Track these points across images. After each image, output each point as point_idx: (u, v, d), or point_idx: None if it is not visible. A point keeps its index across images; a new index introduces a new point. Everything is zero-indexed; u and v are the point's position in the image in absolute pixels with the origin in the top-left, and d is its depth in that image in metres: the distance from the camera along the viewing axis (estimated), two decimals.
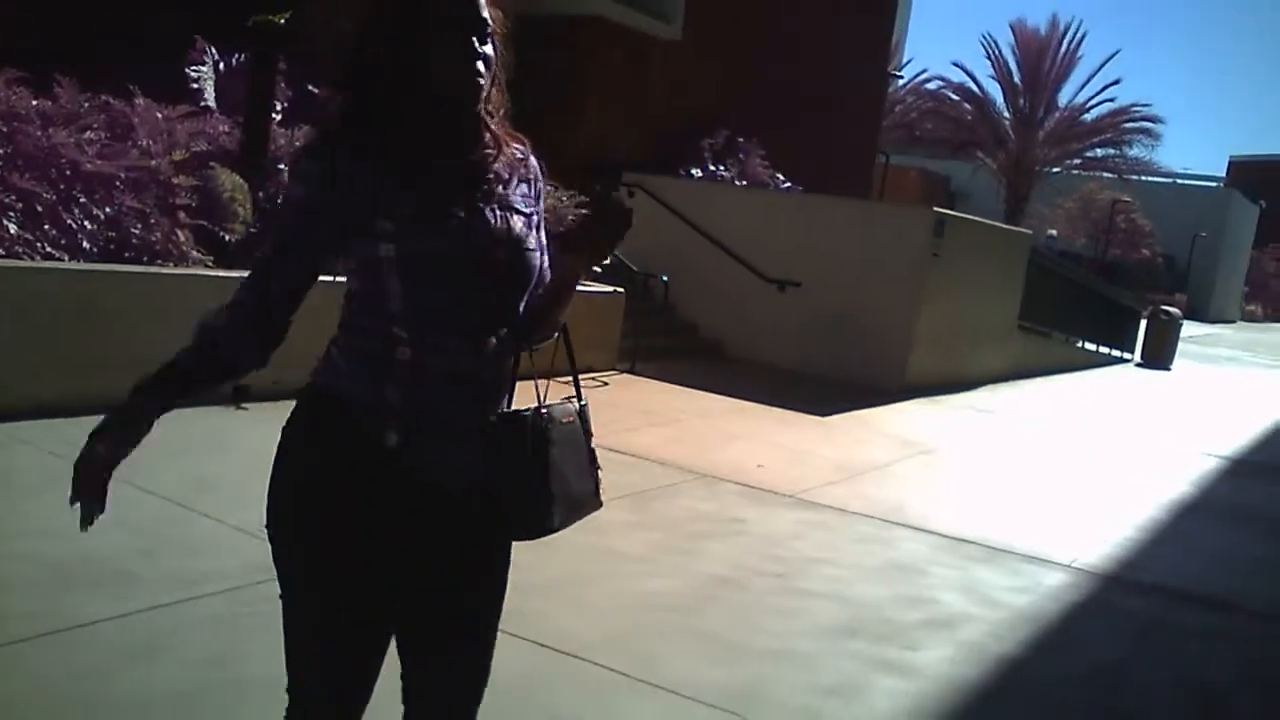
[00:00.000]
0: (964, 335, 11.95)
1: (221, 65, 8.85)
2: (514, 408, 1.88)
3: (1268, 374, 22.40)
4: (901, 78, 37.29)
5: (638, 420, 7.38)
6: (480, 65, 1.75)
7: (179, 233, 6.42)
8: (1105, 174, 45.37)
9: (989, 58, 41.72)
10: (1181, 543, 6.36)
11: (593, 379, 8.44)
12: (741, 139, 15.95)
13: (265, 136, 7.44)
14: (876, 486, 6.65)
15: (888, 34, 22.79)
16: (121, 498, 4.57)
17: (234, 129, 7.61)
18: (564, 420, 1.88)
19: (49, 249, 5.77)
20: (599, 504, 1.95)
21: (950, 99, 42.11)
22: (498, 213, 1.81)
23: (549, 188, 2.09)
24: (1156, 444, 9.82)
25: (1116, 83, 43.58)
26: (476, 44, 1.75)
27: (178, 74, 8.36)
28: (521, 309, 1.87)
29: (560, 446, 1.86)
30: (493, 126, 1.85)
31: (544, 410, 1.86)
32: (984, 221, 13.58)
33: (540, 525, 1.85)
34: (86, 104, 6.84)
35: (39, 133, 6.11)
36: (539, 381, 1.94)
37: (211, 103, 8.47)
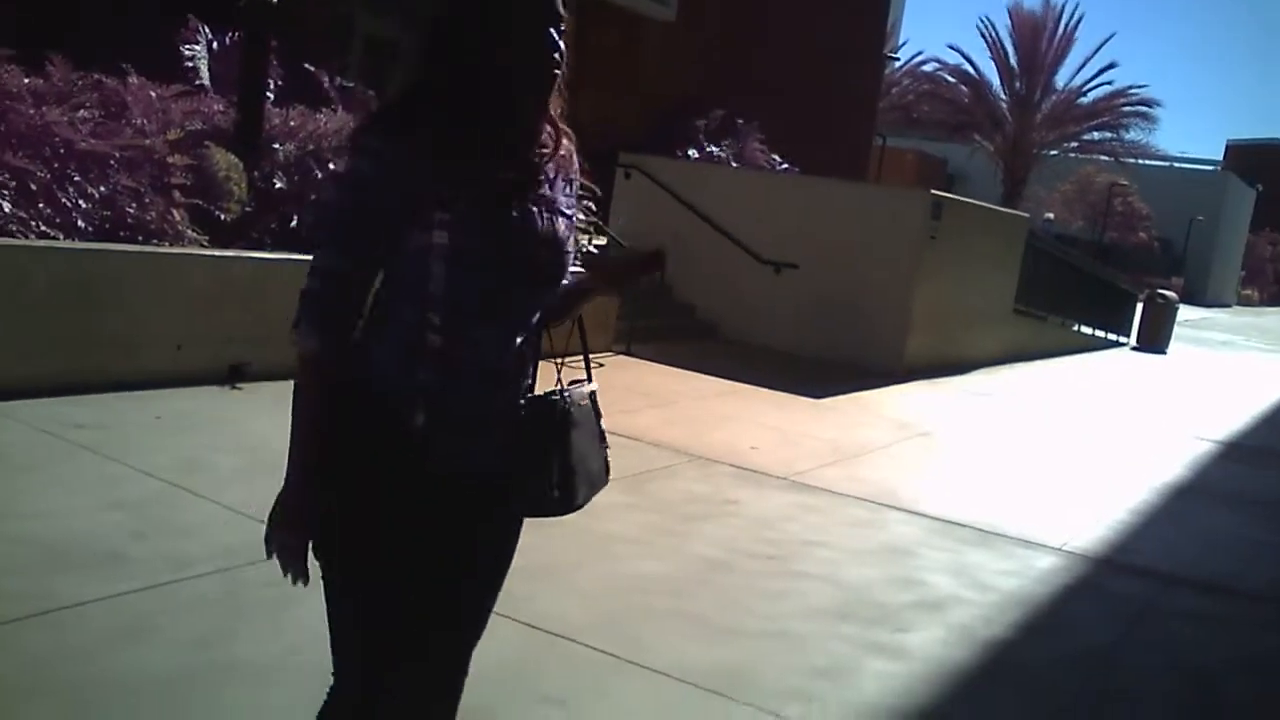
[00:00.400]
0: (960, 318, 11.96)
1: (215, 44, 8.80)
2: (536, 392, 1.95)
3: (1263, 358, 22.45)
4: (898, 60, 37.15)
5: (633, 402, 7.38)
6: (544, 71, 1.79)
7: (174, 212, 6.40)
8: (1102, 157, 45.31)
9: (985, 40, 41.68)
10: (1174, 526, 6.39)
11: (577, 363, 8.39)
12: (738, 120, 15.91)
13: (260, 116, 7.41)
14: (870, 469, 6.67)
15: (884, 15, 22.72)
16: (113, 478, 4.63)
17: (229, 108, 7.58)
18: (580, 403, 1.98)
19: (44, 228, 5.75)
20: (607, 479, 2.07)
21: (947, 81, 42.01)
22: (544, 214, 1.85)
23: None
24: (1151, 427, 9.84)
25: (1113, 65, 43.73)
26: (556, 42, 1.78)
27: (171, 53, 8.32)
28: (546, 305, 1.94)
29: (579, 428, 1.95)
30: (562, 127, 1.90)
31: (565, 394, 1.94)
32: (981, 204, 13.56)
33: (569, 503, 1.95)
34: (79, 82, 6.80)
35: (32, 111, 6.08)
36: (555, 363, 2.02)
37: (206, 82, 8.43)
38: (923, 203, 11.18)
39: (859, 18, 20.39)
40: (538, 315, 1.92)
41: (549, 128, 1.88)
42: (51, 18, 7.55)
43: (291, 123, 7.79)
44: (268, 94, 7.82)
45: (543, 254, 1.85)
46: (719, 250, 11.20)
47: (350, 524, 1.84)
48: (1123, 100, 41.94)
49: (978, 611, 4.41)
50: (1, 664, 2.94)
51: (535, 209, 1.83)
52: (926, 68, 42.22)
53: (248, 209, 6.89)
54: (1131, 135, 42.88)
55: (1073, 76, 41.99)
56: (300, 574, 1.86)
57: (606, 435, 2.08)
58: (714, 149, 15.41)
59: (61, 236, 5.79)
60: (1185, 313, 24.47)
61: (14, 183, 5.73)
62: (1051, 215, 47.23)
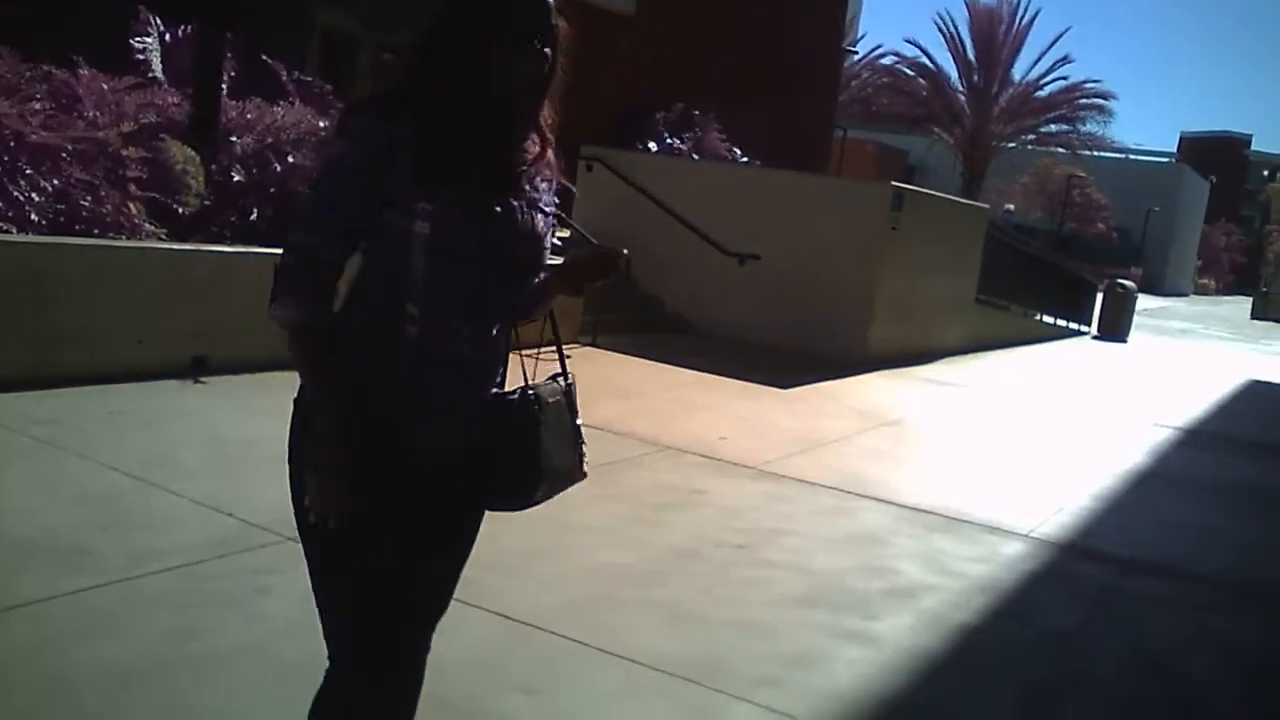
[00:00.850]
0: (923, 308, 12.02)
1: (167, 36, 8.67)
2: (505, 388, 1.97)
3: (1220, 346, 22.80)
4: (857, 53, 37.29)
5: (600, 393, 7.36)
6: (540, 78, 1.84)
7: (130, 205, 6.30)
8: (1059, 149, 45.76)
9: (943, 34, 41.92)
10: (1135, 512, 6.46)
11: (550, 354, 8.38)
12: (696, 112, 15.91)
13: (216, 108, 7.32)
14: (838, 458, 6.69)
15: (843, 9, 22.81)
16: (80, 473, 4.56)
17: (183, 101, 7.47)
18: (551, 399, 1.99)
19: None
20: (583, 475, 2.08)
21: (906, 74, 42.25)
22: (525, 210, 1.89)
23: None
24: (1113, 415, 9.95)
25: (1068, 60, 44.01)
26: (541, 57, 1.83)
27: (122, 45, 8.19)
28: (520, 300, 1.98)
29: (548, 426, 1.96)
30: (546, 134, 1.94)
31: (532, 391, 1.96)
32: (941, 195, 13.67)
33: (524, 499, 1.97)
34: (28, 74, 6.67)
35: None
36: (524, 356, 2.05)
37: (159, 74, 8.30)
38: (883, 194, 11.23)
39: (818, 11, 20.46)
40: (510, 316, 1.96)
41: (535, 134, 1.92)
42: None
43: (249, 115, 7.69)
44: (223, 86, 7.72)
45: (521, 248, 1.90)
46: (683, 242, 11.18)
47: (366, 515, 1.85)
48: (1078, 94, 42.36)
49: (946, 597, 4.43)
50: None
51: (516, 203, 1.88)
52: (885, 61, 42.50)
53: (206, 202, 6.80)
54: (1088, 128, 43.36)
55: (1029, 70, 42.39)
56: (345, 509, 1.81)
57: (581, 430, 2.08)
58: (675, 141, 15.41)
59: (14, 230, 5.68)
60: (1144, 302, 24.76)
61: None
62: (1012, 206, 47.66)
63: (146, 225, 6.33)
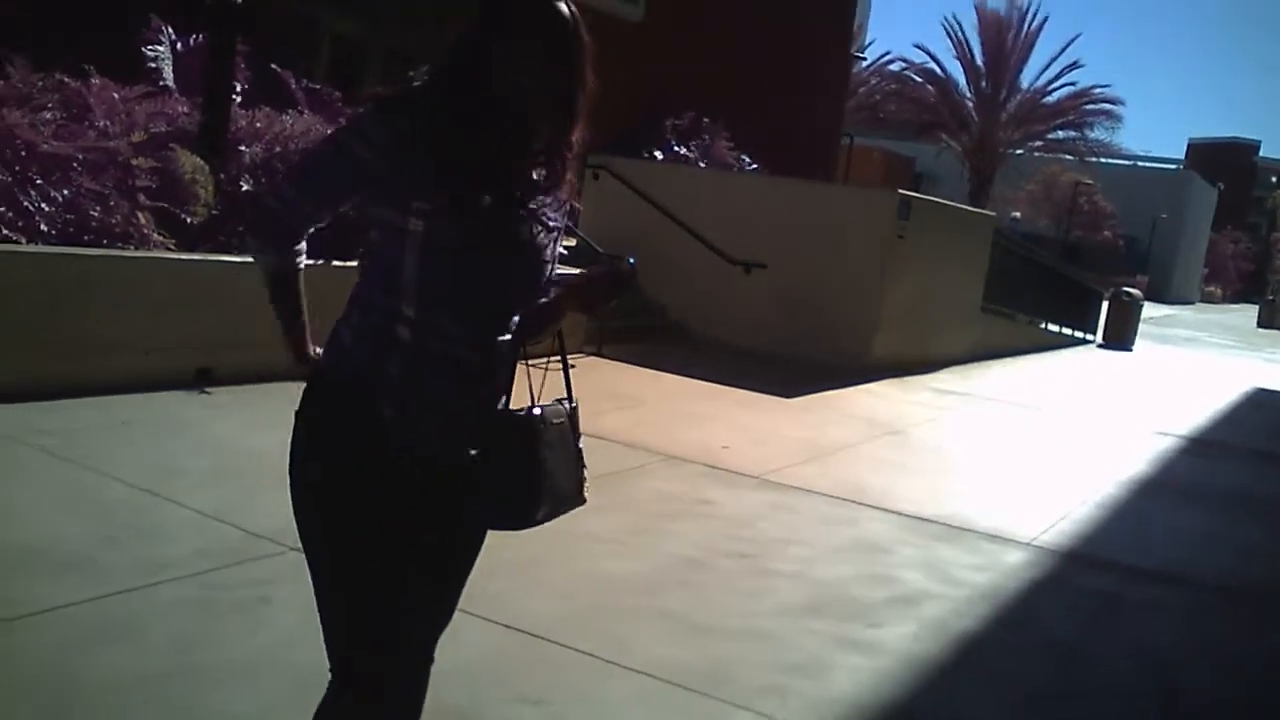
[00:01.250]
0: (929, 317, 12.03)
1: (179, 45, 8.73)
2: (510, 407, 1.97)
3: (1225, 354, 22.75)
4: (865, 59, 37.36)
5: (604, 403, 7.39)
6: (537, 79, 1.83)
7: (140, 215, 6.34)
8: (1067, 156, 45.70)
9: (951, 40, 41.84)
10: (1138, 520, 6.47)
11: (549, 364, 8.40)
12: (706, 120, 15.95)
13: (226, 118, 7.36)
14: (842, 467, 6.71)
15: (851, 15, 22.85)
16: (85, 483, 4.59)
17: (193, 110, 7.51)
18: (555, 421, 2.00)
19: (5, 231, 5.68)
20: (582, 500, 2.08)
21: (914, 80, 42.23)
22: (525, 218, 1.90)
23: None
24: (1117, 424, 9.95)
25: (1077, 65, 43.75)
26: (542, 60, 1.83)
27: (134, 54, 8.24)
28: (521, 311, 1.97)
29: (551, 447, 1.97)
30: (567, 156, 1.94)
31: (536, 411, 1.97)
32: (948, 203, 13.66)
33: (523, 520, 1.98)
34: (41, 84, 6.72)
35: None
36: (530, 366, 2.07)
37: (170, 83, 8.36)
38: (890, 202, 11.24)
39: (826, 17, 20.50)
40: (514, 321, 1.95)
41: (556, 155, 1.93)
42: (11, 18, 7.45)
43: (258, 124, 7.73)
44: (234, 95, 7.77)
45: (518, 255, 1.91)
46: (688, 251, 11.21)
47: (326, 502, 1.90)
48: (1086, 100, 42.33)
49: (949, 606, 4.45)
50: None
51: (516, 211, 1.89)
52: (893, 67, 42.47)
53: (214, 212, 6.83)
54: (1095, 134, 43.32)
55: (1037, 76, 42.37)
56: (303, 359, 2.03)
57: (582, 438, 2.09)
58: (683, 149, 15.45)
59: (24, 240, 5.73)
60: (1150, 310, 24.77)
61: None
62: (1018, 214, 47.64)
63: (155, 235, 6.37)
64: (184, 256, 6.33)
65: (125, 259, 6.04)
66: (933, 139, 42.33)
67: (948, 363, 12.20)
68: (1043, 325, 17.06)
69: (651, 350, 9.96)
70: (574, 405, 2.07)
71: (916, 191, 13.42)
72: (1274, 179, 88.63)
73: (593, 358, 9.34)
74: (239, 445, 5.23)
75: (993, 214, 16.39)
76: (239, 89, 8.12)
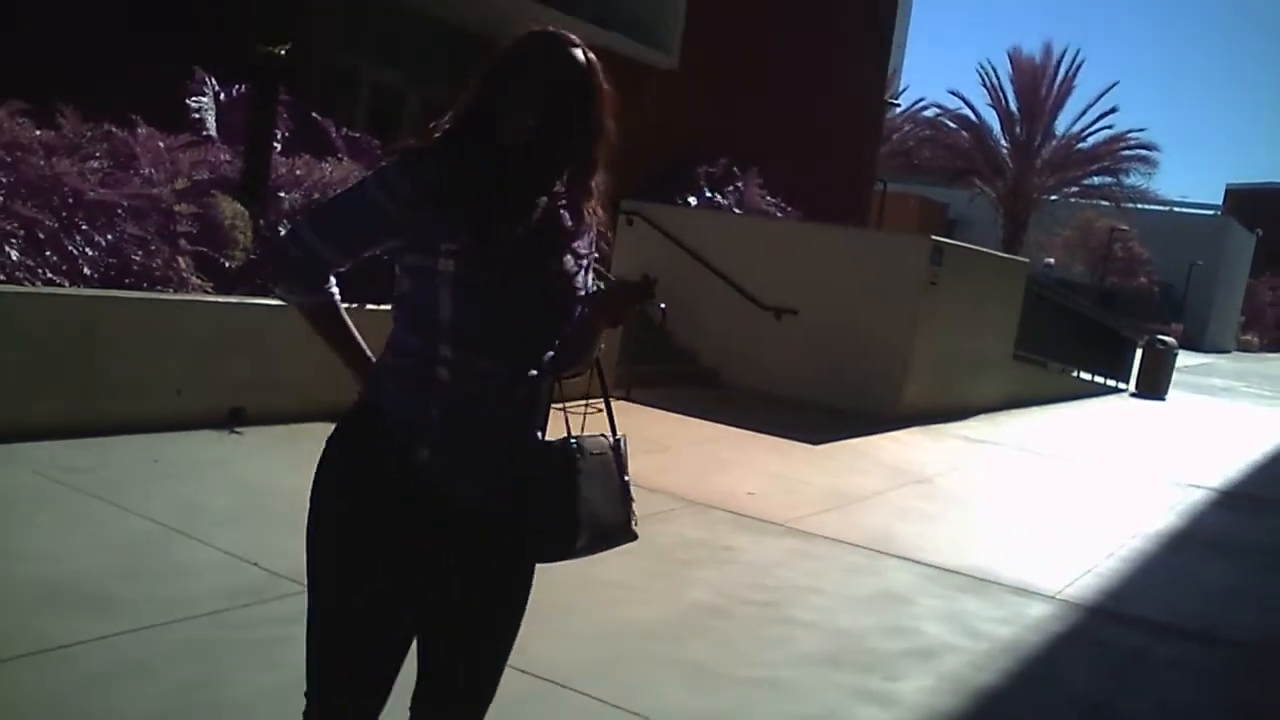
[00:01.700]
0: (960, 364, 12.02)
1: (222, 95, 8.96)
2: (548, 437, 2.01)
3: (1262, 405, 22.45)
4: (899, 105, 37.52)
5: (632, 447, 7.39)
6: (541, 121, 1.88)
7: (180, 259, 6.50)
8: (1102, 202, 45.53)
9: (985, 86, 42.09)
10: (1166, 574, 6.42)
11: (589, 406, 8.47)
12: (738, 167, 16.07)
13: (267, 165, 7.54)
14: (868, 515, 6.71)
15: (885, 61, 22.99)
16: (110, 520, 4.67)
17: (235, 158, 7.71)
18: (594, 452, 2.02)
19: (50, 275, 5.85)
20: (633, 535, 2.10)
21: (948, 126, 42.38)
22: (554, 250, 1.96)
23: None
24: (1148, 475, 9.87)
25: (1113, 110, 43.75)
26: (547, 102, 1.89)
27: (178, 104, 8.47)
28: (557, 342, 2.01)
29: (588, 477, 1.99)
30: (587, 200, 2.00)
31: (574, 441, 2.00)
32: (981, 250, 13.66)
33: (564, 550, 1.99)
34: (89, 133, 6.93)
35: (42, 162, 6.20)
36: (569, 412, 2.09)
37: (213, 132, 8.58)
38: (923, 248, 11.26)
39: (860, 64, 20.65)
40: (549, 355, 1.98)
41: (579, 199, 1.99)
42: (64, 69, 7.69)
43: (297, 171, 7.91)
44: (275, 144, 7.96)
45: (550, 285, 1.95)
46: (720, 296, 11.30)
47: (358, 539, 1.92)
48: (1122, 145, 42.27)
49: (969, 659, 4.44)
50: None
51: (545, 243, 1.95)
52: (927, 113, 42.66)
53: (252, 256, 6.99)
54: (1131, 180, 43.26)
55: (1073, 122, 42.42)
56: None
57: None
58: (716, 195, 15.56)
59: (68, 284, 5.89)
60: (1185, 359, 24.53)
61: (22, 231, 5.84)
62: (1052, 260, 47.41)
63: (193, 279, 6.53)
64: (220, 299, 6.47)
65: (162, 301, 6.19)
66: (966, 184, 42.34)
67: (978, 410, 12.16)
68: (1075, 373, 16.95)
69: (681, 395, 10.02)
70: (619, 437, 2.10)
71: (949, 237, 13.45)
72: None
73: (622, 402, 9.40)
74: (267, 485, 5.32)
75: (1026, 260, 16.36)
76: (280, 136, 8.32)
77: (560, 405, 2.10)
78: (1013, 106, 41.69)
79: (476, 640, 2.06)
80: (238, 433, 6.17)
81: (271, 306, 6.57)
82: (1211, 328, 54.79)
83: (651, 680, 3.79)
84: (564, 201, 1.98)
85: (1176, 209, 57.80)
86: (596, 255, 2.12)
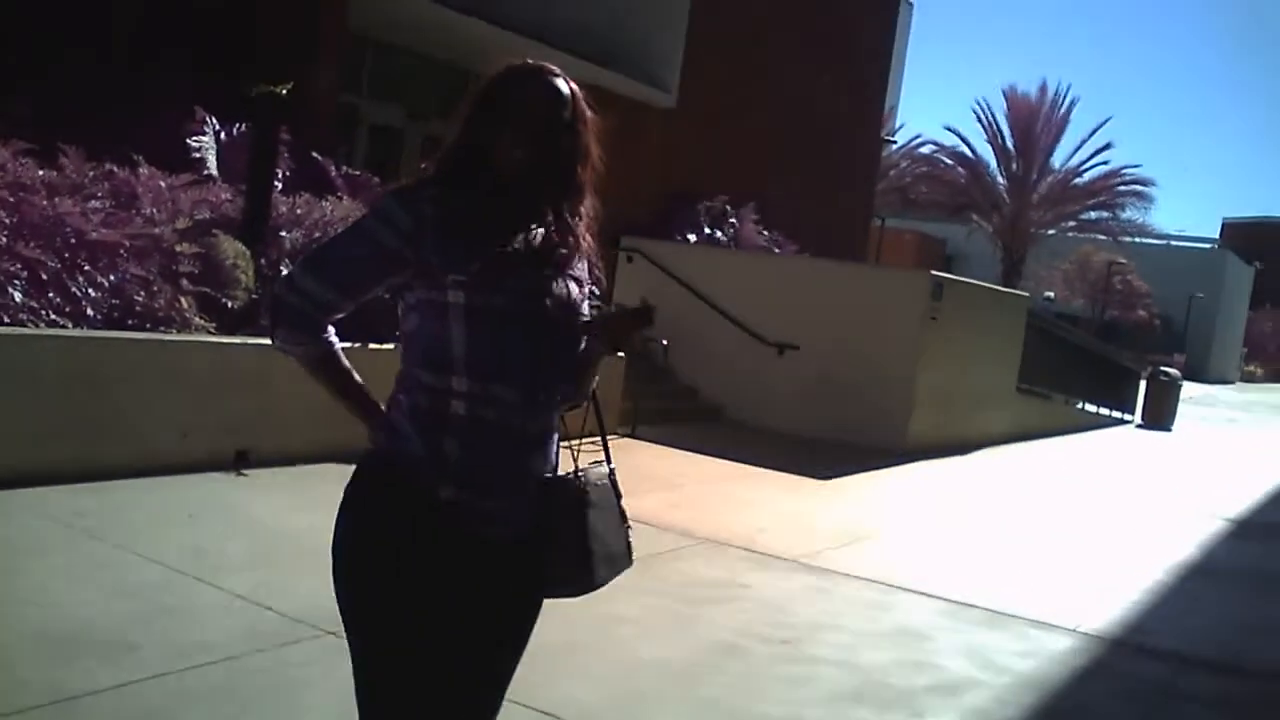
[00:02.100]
0: (964, 398, 11.96)
1: (222, 135, 8.96)
2: (554, 471, 2.00)
3: (1268, 435, 22.35)
4: (895, 142, 37.67)
5: (638, 484, 7.32)
6: (529, 152, 1.90)
7: (182, 300, 6.45)
8: (1100, 236, 45.66)
9: (981, 123, 42.19)
10: (1188, 605, 6.31)
11: (593, 443, 8.41)
12: (735, 204, 16.11)
13: (267, 205, 7.51)
14: (880, 550, 6.61)
15: (881, 99, 23.12)
16: (121, 565, 4.59)
17: (236, 197, 7.68)
18: (598, 483, 2.03)
19: (53, 316, 5.79)
20: (630, 561, 2.09)
21: (944, 163, 42.53)
22: (557, 278, 1.96)
23: None
24: (1160, 506, 9.78)
25: (1109, 146, 43.69)
26: (539, 137, 1.91)
27: (180, 144, 8.46)
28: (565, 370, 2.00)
29: (597, 508, 1.99)
30: (579, 225, 2.01)
31: (581, 474, 2.00)
32: (981, 284, 13.66)
33: (586, 582, 1.99)
34: (91, 173, 6.91)
35: (44, 202, 6.17)
36: (570, 448, 2.08)
37: (214, 171, 8.56)
38: (923, 283, 11.25)
39: (857, 101, 20.75)
40: (560, 386, 1.98)
41: (571, 225, 1.99)
42: (67, 112, 7.68)
43: (298, 210, 7.89)
44: (275, 183, 7.94)
45: (557, 314, 1.95)
46: (721, 332, 11.26)
47: (376, 585, 1.88)
48: (1118, 180, 42.41)
49: (992, 694, 4.34)
50: None
51: (547, 273, 1.95)
52: (924, 150, 42.76)
53: (254, 296, 6.94)
54: (1128, 214, 43.34)
55: (1069, 157, 42.55)
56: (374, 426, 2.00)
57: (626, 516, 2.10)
58: (713, 232, 15.58)
59: (70, 325, 5.83)
60: (1188, 390, 24.42)
61: (25, 273, 5.79)
62: (1052, 294, 47.47)
63: (196, 319, 6.47)
64: (223, 340, 6.42)
65: (165, 342, 6.13)
66: (964, 220, 42.46)
67: (984, 444, 12.08)
68: (1080, 405, 16.89)
69: (685, 431, 9.94)
70: (612, 467, 2.09)
71: (948, 272, 13.44)
72: None
73: (627, 439, 9.33)
74: (276, 527, 5.23)
75: (1026, 294, 16.36)
76: (280, 175, 8.30)
77: (566, 444, 2.08)
78: (1009, 143, 41.86)
79: (492, 670, 2.02)
80: (244, 475, 6.09)
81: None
82: (1213, 358, 54.78)
83: None
84: (555, 227, 1.99)
85: (1174, 242, 57.93)
86: (591, 282, 2.10)
